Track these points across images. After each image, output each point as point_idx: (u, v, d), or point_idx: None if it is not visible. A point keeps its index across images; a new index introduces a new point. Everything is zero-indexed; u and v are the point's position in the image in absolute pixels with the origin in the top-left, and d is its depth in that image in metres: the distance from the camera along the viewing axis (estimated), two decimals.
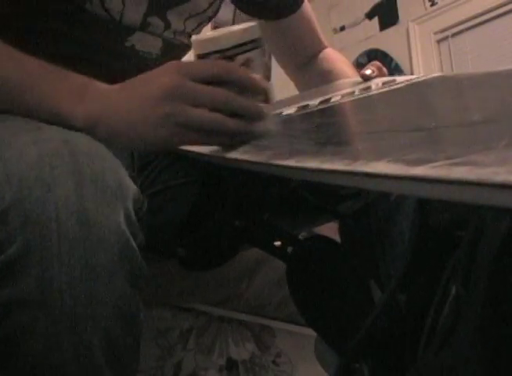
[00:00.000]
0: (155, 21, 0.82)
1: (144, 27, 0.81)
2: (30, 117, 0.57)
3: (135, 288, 0.49)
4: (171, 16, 0.84)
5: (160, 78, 0.57)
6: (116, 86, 0.60)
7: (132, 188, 0.51)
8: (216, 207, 0.75)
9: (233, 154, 0.50)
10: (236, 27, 0.59)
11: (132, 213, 0.50)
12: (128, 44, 0.81)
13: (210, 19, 0.95)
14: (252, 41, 0.60)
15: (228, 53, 0.59)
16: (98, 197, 0.47)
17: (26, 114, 0.58)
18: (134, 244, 0.49)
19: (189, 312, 1.13)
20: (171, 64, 0.59)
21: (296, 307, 0.70)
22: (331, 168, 0.28)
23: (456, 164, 0.23)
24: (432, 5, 3.19)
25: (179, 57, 0.93)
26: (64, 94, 0.58)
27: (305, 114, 0.67)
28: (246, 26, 0.60)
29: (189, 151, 0.60)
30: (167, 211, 0.68)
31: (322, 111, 0.67)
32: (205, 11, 0.90)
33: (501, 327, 0.28)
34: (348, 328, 0.49)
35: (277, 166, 0.35)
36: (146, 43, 0.83)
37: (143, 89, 0.57)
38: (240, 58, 0.59)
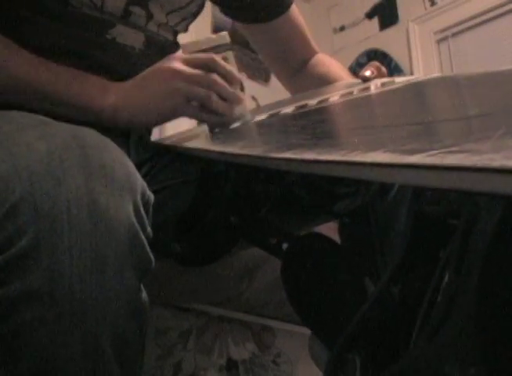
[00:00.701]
0: (137, 11, 0.83)
1: (126, 15, 0.82)
2: (61, 114, 0.65)
3: (141, 282, 0.49)
4: (153, 7, 0.85)
5: (168, 64, 0.73)
6: (128, 81, 0.75)
7: (140, 181, 0.52)
8: (212, 203, 0.75)
9: (230, 148, 0.50)
10: (213, 35, 0.80)
11: (141, 206, 0.51)
12: (109, 37, 0.81)
13: (194, 15, 0.95)
14: (225, 44, 0.80)
15: (207, 53, 0.77)
16: (108, 189, 0.47)
17: (57, 112, 0.67)
18: (143, 237, 0.49)
19: (189, 312, 1.13)
20: (175, 56, 0.76)
21: (290, 304, 0.70)
22: (327, 158, 0.28)
23: (452, 152, 0.22)
24: (432, 4, 3.19)
25: (166, 53, 0.94)
26: (93, 91, 0.72)
27: (303, 113, 0.67)
28: (220, 34, 0.80)
29: (187, 148, 0.61)
30: (165, 210, 0.70)
31: (320, 110, 0.67)
32: (188, 5, 0.91)
33: (495, 314, 0.27)
34: (342, 326, 0.49)
35: (274, 159, 0.34)
36: (128, 37, 0.83)
37: (155, 73, 0.74)
38: (218, 56, 0.76)
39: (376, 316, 0.46)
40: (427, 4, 3.22)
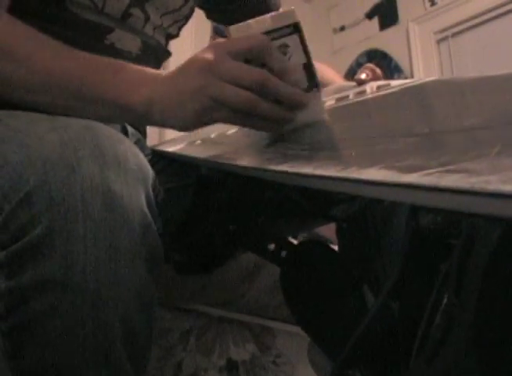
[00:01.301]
0: (137, 12, 0.83)
1: (125, 17, 0.82)
2: (86, 112, 0.59)
3: (151, 274, 0.49)
4: (150, 8, 0.85)
5: (202, 54, 0.57)
6: (167, 72, 0.61)
7: (151, 173, 0.52)
8: (210, 210, 0.75)
9: (228, 159, 0.50)
10: (272, 13, 0.58)
11: (152, 197, 0.51)
12: (107, 42, 0.81)
13: (186, 18, 0.95)
14: (287, 26, 0.57)
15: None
16: (121, 178, 0.47)
17: (83, 110, 0.60)
18: (154, 228, 0.49)
19: (190, 313, 1.13)
20: (217, 42, 0.59)
21: (289, 310, 0.70)
22: (324, 174, 0.28)
23: (449, 172, 0.22)
24: (432, 5, 3.19)
25: (159, 59, 0.94)
26: (123, 85, 0.60)
27: None
28: (280, 12, 0.58)
29: (185, 155, 0.60)
30: (162, 215, 0.69)
31: None
32: (181, 7, 0.91)
33: (494, 336, 0.27)
34: (340, 333, 0.49)
35: (270, 171, 0.34)
36: (125, 42, 0.83)
37: (189, 64, 0.58)
38: (274, 44, 0.57)
39: (376, 332, 0.46)
40: (427, 4, 3.21)
